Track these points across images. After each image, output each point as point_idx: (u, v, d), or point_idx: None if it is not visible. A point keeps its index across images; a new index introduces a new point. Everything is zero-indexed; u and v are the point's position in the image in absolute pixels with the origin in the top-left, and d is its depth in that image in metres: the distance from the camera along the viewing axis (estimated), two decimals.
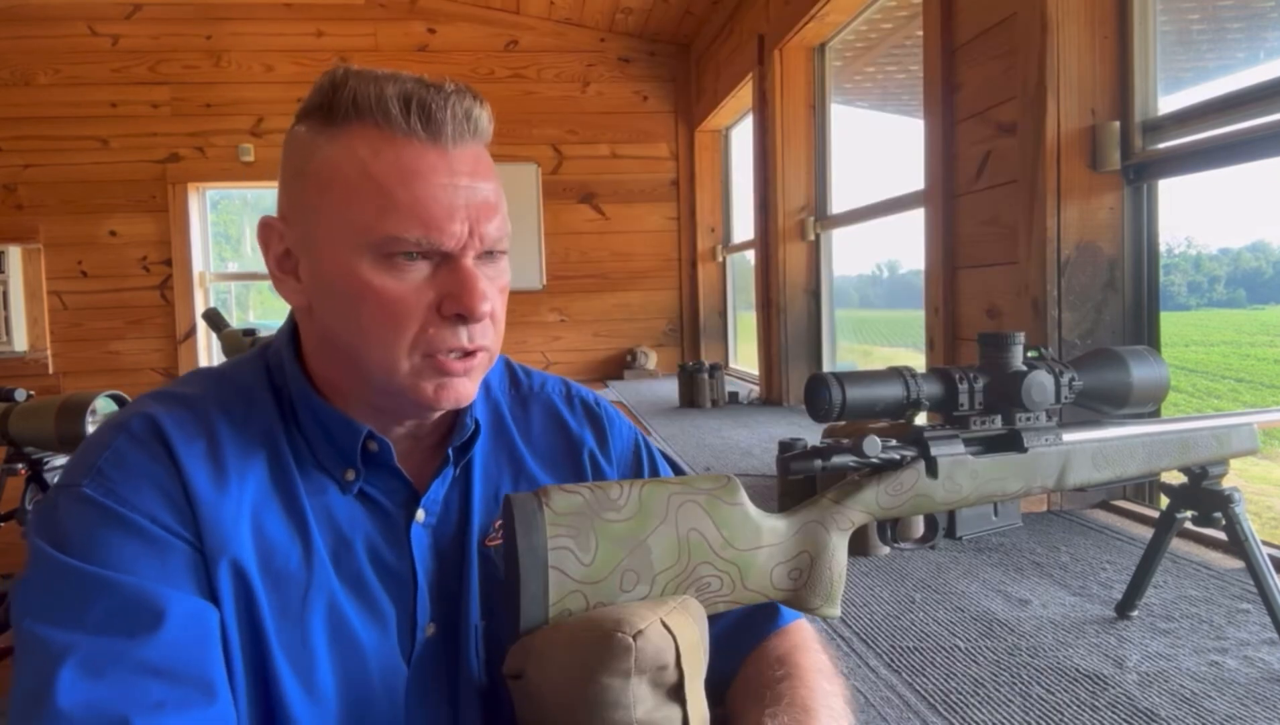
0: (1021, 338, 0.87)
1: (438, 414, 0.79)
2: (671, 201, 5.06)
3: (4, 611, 1.88)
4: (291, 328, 0.82)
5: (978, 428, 0.85)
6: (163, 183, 4.68)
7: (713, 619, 0.80)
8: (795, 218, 3.47)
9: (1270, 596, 1.01)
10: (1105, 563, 1.39)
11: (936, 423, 0.86)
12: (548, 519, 0.68)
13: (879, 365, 0.84)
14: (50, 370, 4.62)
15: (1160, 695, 0.96)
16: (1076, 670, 1.03)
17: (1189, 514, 1.06)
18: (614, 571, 0.69)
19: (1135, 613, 1.17)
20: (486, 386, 0.88)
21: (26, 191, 4.59)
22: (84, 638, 0.63)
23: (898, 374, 0.82)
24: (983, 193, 1.97)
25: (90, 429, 1.78)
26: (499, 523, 0.82)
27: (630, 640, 0.62)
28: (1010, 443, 0.86)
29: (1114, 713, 0.93)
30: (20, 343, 4.65)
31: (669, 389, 3.99)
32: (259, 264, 5.28)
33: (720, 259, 5.02)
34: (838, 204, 3.40)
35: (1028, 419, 0.86)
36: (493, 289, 0.76)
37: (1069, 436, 0.89)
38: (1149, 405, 0.94)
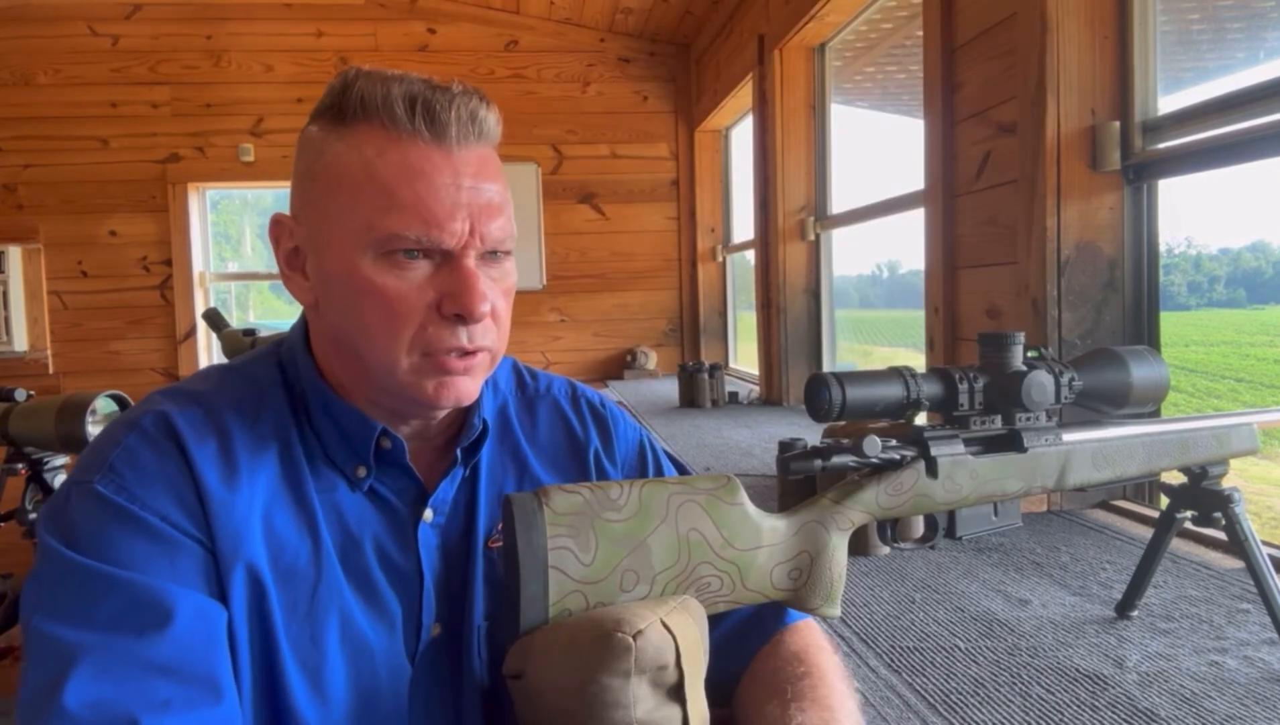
0: (1021, 338, 0.87)
1: (441, 413, 0.79)
2: (671, 201, 5.06)
3: (3, 612, 1.88)
4: (304, 325, 0.82)
5: (978, 428, 0.85)
6: (163, 183, 4.67)
7: (720, 617, 0.80)
8: (795, 218, 3.47)
9: (1270, 596, 1.01)
10: (1105, 563, 1.39)
11: (936, 423, 0.86)
12: (548, 519, 0.68)
13: (879, 365, 0.84)
14: (50, 370, 4.62)
15: (1160, 695, 0.96)
16: (1076, 670, 1.03)
17: (1189, 514, 1.06)
18: (614, 571, 0.69)
19: (1135, 613, 1.17)
20: (494, 387, 0.88)
21: (26, 191, 4.59)
22: (92, 636, 0.63)
23: (898, 374, 0.82)
24: (983, 193, 1.97)
25: (90, 429, 1.78)
26: (501, 524, 0.82)
27: (630, 640, 0.62)
28: (1010, 443, 0.86)
29: (1114, 713, 0.93)
30: (20, 343, 4.65)
31: (669, 389, 3.99)
32: (259, 264, 5.29)
33: (720, 259, 5.02)
34: (838, 204, 3.40)
35: (1028, 419, 0.86)
36: (496, 290, 0.76)
37: (1069, 436, 0.89)
38: (1149, 405, 0.94)
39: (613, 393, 4.09)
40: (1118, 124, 1.68)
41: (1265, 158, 1.41)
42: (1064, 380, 0.87)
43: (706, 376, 3.45)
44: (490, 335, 0.77)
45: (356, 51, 4.74)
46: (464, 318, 0.73)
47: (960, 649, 1.10)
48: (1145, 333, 1.72)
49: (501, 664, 0.71)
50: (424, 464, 0.82)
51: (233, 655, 0.69)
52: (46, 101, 4.58)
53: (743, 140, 4.68)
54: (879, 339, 4.50)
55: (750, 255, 4.14)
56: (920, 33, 2.23)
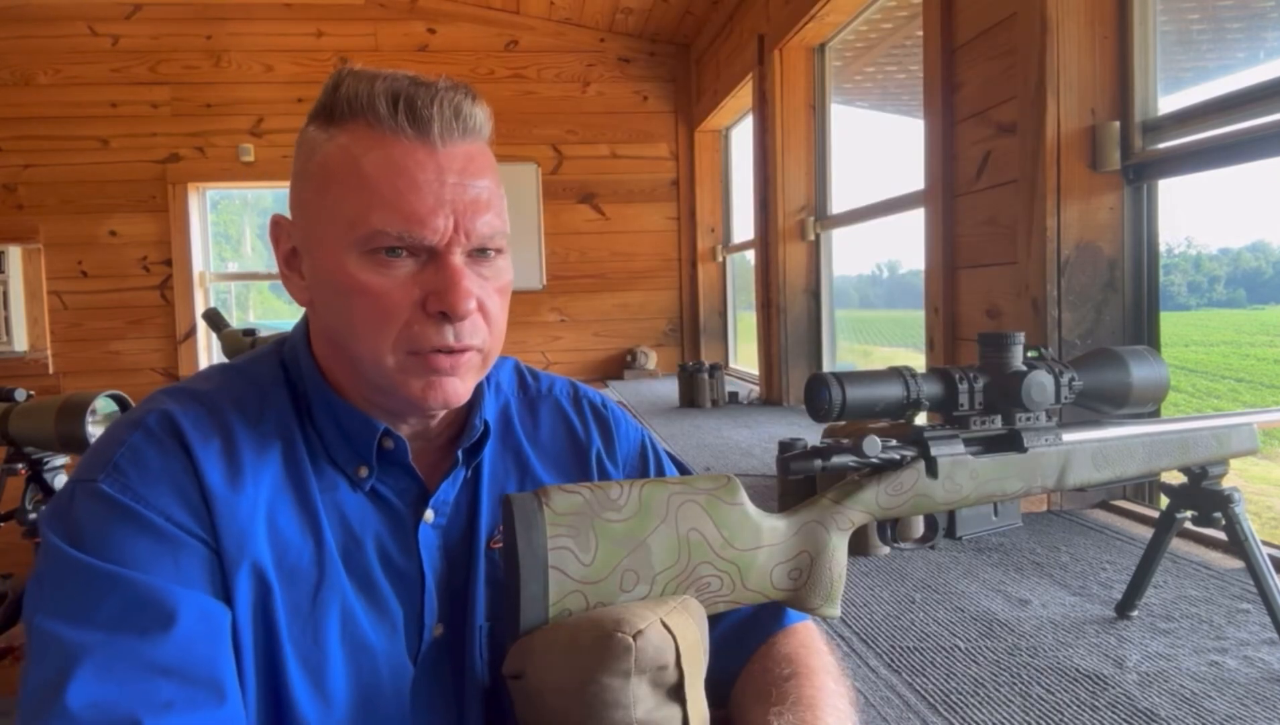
0: (1021, 338, 0.87)
1: (433, 413, 0.79)
2: (671, 201, 5.06)
3: (3, 612, 1.88)
4: (306, 325, 0.82)
5: (978, 428, 0.85)
6: (163, 183, 4.67)
7: (718, 618, 0.80)
8: (795, 218, 3.47)
9: (1270, 596, 1.01)
10: (1105, 563, 1.39)
11: (936, 423, 0.86)
12: (548, 519, 0.68)
13: (879, 365, 0.84)
14: (50, 370, 4.62)
15: (1160, 695, 0.96)
16: (1076, 670, 1.03)
17: (1189, 514, 1.06)
18: (614, 571, 0.69)
19: (1135, 613, 1.17)
20: (496, 388, 0.88)
21: (26, 191, 4.59)
22: (95, 635, 0.63)
23: (898, 374, 0.82)
24: (983, 193, 1.97)
25: (90, 429, 1.78)
26: (502, 525, 0.82)
27: (630, 640, 0.62)
28: (1010, 443, 0.86)
29: (1114, 713, 0.93)
30: (20, 343, 4.65)
31: (669, 389, 3.99)
32: (259, 264, 5.29)
33: (720, 259, 5.02)
34: (838, 204, 3.40)
35: (1028, 419, 0.86)
36: (486, 288, 0.76)
37: (1069, 436, 0.89)
38: (1149, 405, 0.94)
39: (613, 393, 4.09)
40: (1118, 124, 1.68)
41: (1265, 158, 1.41)
42: (1064, 380, 0.87)
43: (706, 376, 3.45)
44: (479, 334, 0.76)
45: (356, 51, 4.74)
46: (448, 315, 0.73)
47: (960, 649, 1.10)
48: (1145, 333, 1.72)
49: (503, 664, 0.71)
50: (426, 465, 0.81)
51: (236, 655, 0.69)
52: (46, 101, 4.58)
53: (743, 140, 4.68)
54: (879, 339, 4.50)
55: (750, 255, 4.14)
56: (920, 33, 2.23)
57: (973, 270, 2.04)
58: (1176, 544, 1.42)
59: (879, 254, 4.02)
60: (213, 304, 4.83)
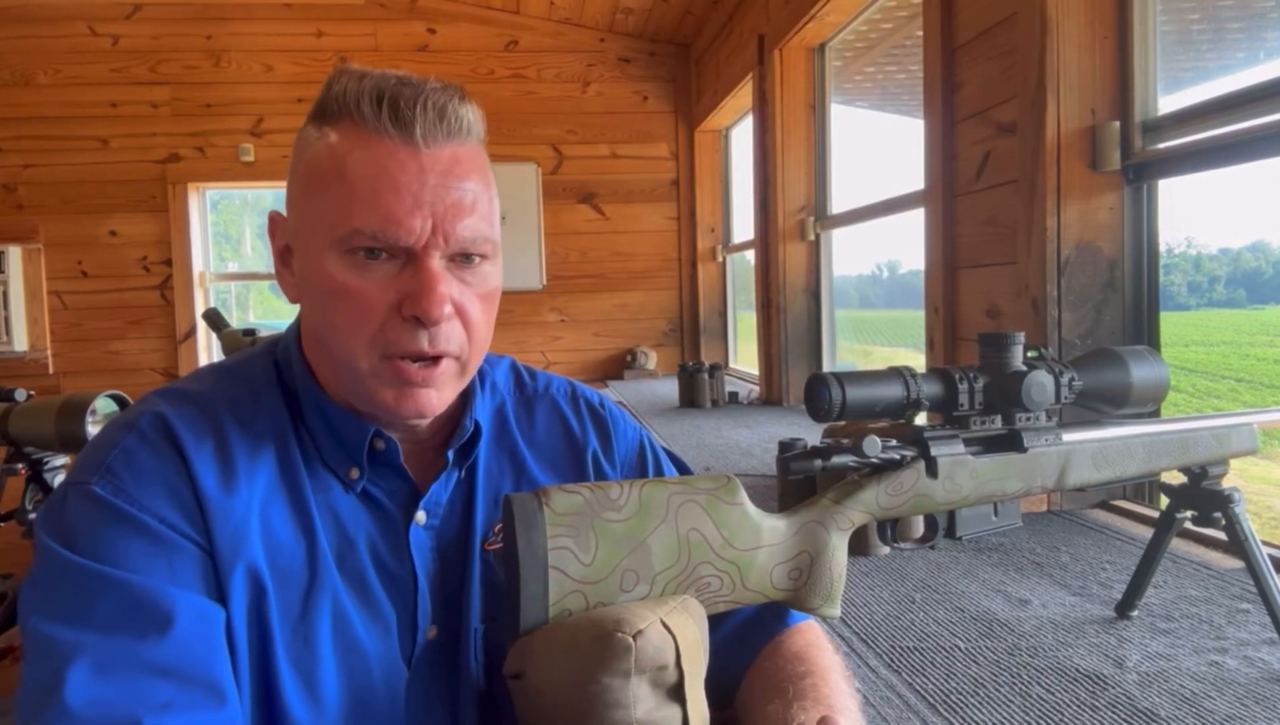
0: (1021, 338, 0.87)
1: (410, 423, 0.78)
2: (671, 201, 5.06)
3: (3, 612, 1.88)
4: (299, 324, 0.82)
5: (978, 428, 0.85)
6: (163, 183, 4.67)
7: (721, 620, 0.80)
8: (795, 218, 3.47)
9: (1270, 596, 1.01)
10: (1105, 563, 1.39)
11: (936, 423, 0.86)
12: (548, 519, 0.68)
13: (879, 365, 0.84)
14: (50, 370, 4.61)
15: (1160, 695, 0.96)
16: (1076, 670, 1.03)
17: (1189, 514, 1.06)
18: (614, 571, 0.69)
19: (1135, 613, 1.17)
20: (491, 388, 0.88)
21: (26, 191, 4.59)
22: (92, 636, 0.63)
23: (898, 374, 0.82)
24: (983, 193, 1.97)
25: (90, 429, 1.78)
26: (499, 526, 0.82)
27: (630, 640, 0.62)
28: (1010, 443, 0.86)
29: (1114, 713, 0.93)
30: (20, 343, 4.65)
31: (669, 389, 3.99)
32: (259, 264, 5.29)
33: (720, 259, 5.02)
34: (838, 204, 3.40)
35: (1028, 419, 0.86)
36: (468, 294, 0.75)
37: (1069, 436, 0.89)
38: (1149, 405, 0.94)
39: (613, 393, 4.09)
40: (1118, 124, 1.68)
41: (1265, 158, 1.41)
42: (1064, 380, 0.87)
43: (706, 376, 3.45)
44: (455, 340, 0.74)
45: (356, 51, 4.74)
46: (422, 320, 0.72)
47: (960, 649, 1.10)
48: (1145, 333, 1.72)
49: (499, 667, 0.71)
50: (418, 466, 0.81)
51: (230, 657, 0.69)
52: (46, 101, 4.58)
53: (743, 140, 4.68)
54: (879, 339, 4.50)
55: (750, 255, 4.14)
56: (920, 33, 2.23)
57: (973, 270, 2.04)
58: (1176, 544, 1.42)
59: (879, 254, 4.02)
60: (213, 304, 4.83)
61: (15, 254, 4.62)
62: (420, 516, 0.79)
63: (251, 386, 0.79)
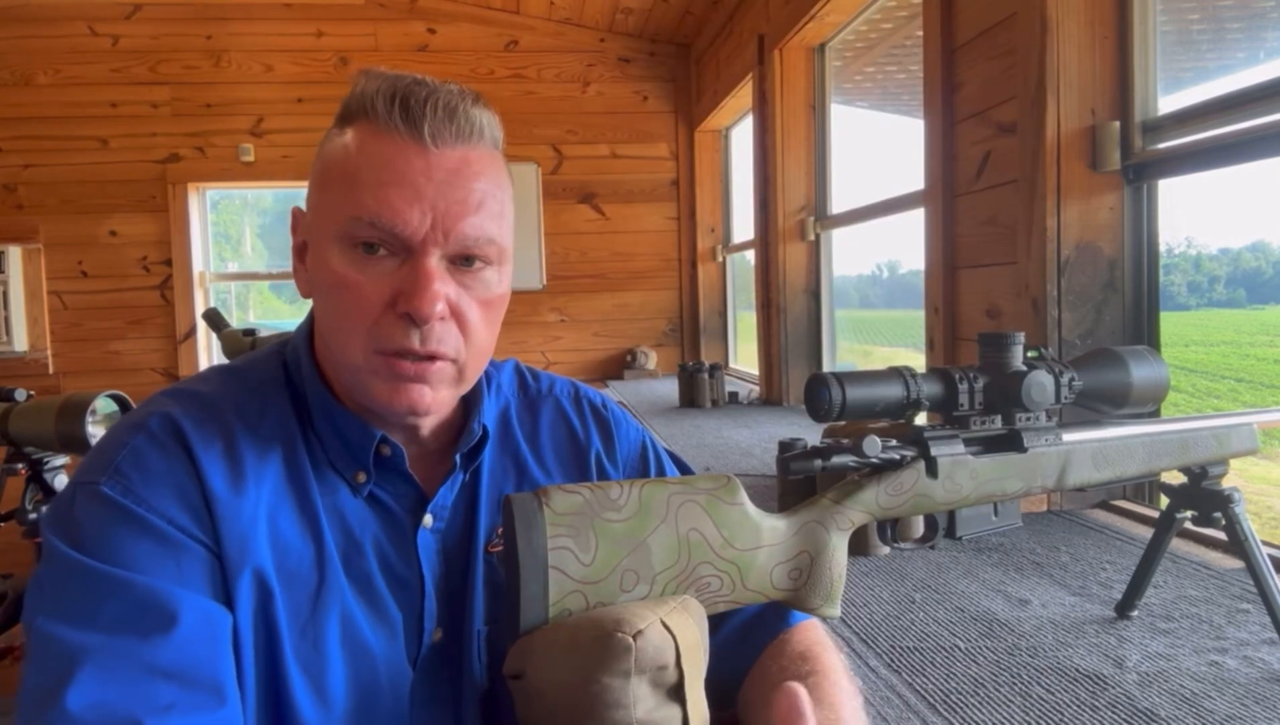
0: (1021, 338, 0.87)
1: (405, 421, 0.77)
2: (671, 201, 5.06)
3: (3, 612, 1.88)
4: (308, 325, 0.82)
5: (978, 428, 0.85)
6: (163, 183, 4.67)
7: (723, 619, 0.80)
8: (795, 218, 3.47)
9: (1270, 596, 1.01)
10: (1105, 563, 1.39)
11: (936, 423, 0.86)
12: (548, 519, 0.68)
13: (879, 365, 0.84)
14: (50, 370, 4.61)
15: (1160, 695, 0.96)
16: (1076, 670, 1.03)
17: (1189, 514, 1.06)
18: (614, 571, 0.69)
19: (1135, 613, 1.17)
20: (496, 391, 0.88)
21: (26, 191, 4.59)
22: (96, 637, 0.63)
23: (898, 374, 0.82)
24: (983, 193, 1.97)
25: (90, 429, 1.78)
26: (501, 528, 0.82)
27: (630, 640, 0.62)
28: (1010, 443, 0.86)
29: (1114, 713, 0.93)
30: (20, 343, 4.65)
31: (669, 389, 3.99)
32: (259, 264, 5.29)
33: (720, 259, 5.02)
34: (838, 204, 3.40)
35: (1028, 419, 0.86)
36: (466, 297, 0.74)
37: (1069, 436, 0.89)
38: (1149, 405, 0.94)
39: (613, 393, 4.09)
40: (1118, 124, 1.68)
41: (1265, 158, 1.41)
42: (1064, 380, 0.87)
43: (706, 376, 3.45)
44: (450, 342, 0.74)
45: (356, 51, 4.74)
46: (413, 317, 0.72)
47: (960, 649, 1.10)
48: (1145, 333, 1.72)
49: (501, 668, 0.71)
50: (424, 469, 0.81)
51: (237, 659, 0.69)
52: (46, 101, 4.58)
53: (743, 140, 4.68)
54: (879, 339, 4.50)
55: (750, 255, 4.14)
56: (920, 33, 2.23)
57: (973, 270, 2.04)
58: (1176, 544, 1.42)
59: (879, 254, 4.02)
60: (213, 304, 4.83)
61: (15, 254, 4.62)
62: (427, 520, 0.79)
63: (259, 388, 0.79)
